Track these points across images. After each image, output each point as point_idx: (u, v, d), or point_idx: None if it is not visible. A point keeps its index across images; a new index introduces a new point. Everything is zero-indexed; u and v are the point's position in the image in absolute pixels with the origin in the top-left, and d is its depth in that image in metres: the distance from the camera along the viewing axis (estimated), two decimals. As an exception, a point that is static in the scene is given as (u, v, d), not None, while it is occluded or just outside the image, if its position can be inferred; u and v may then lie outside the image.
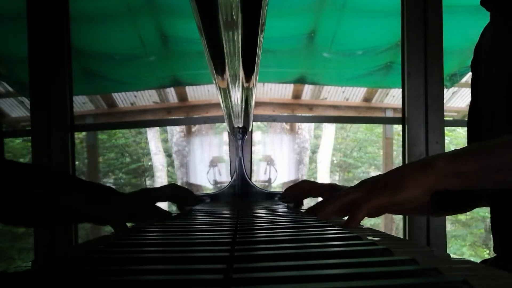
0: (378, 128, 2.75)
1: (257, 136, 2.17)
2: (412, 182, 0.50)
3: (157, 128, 2.36)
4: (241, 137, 1.16)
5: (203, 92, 2.08)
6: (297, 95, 2.26)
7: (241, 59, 0.60)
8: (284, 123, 2.34)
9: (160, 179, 2.34)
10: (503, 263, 0.64)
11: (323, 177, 2.65)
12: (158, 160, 2.35)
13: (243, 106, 0.89)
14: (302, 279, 0.23)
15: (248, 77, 0.69)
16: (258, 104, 2.03)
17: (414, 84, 1.61)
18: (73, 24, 1.65)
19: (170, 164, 2.35)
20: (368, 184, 0.55)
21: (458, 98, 2.33)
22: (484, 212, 2.42)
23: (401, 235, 1.68)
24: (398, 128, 2.11)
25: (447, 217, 1.77)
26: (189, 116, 2.16)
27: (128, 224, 0.59)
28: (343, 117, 2.46)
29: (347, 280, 0.23)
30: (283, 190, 0.90)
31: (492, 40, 0.71)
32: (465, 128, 0.77)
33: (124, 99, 2.13)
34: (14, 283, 0.24)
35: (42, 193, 0.57)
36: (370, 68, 2.03)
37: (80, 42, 1.74)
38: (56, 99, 1.61)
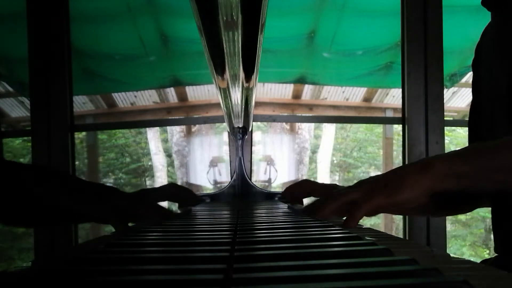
0: (378, 128, 2.75)
1: (257, 136, 2.17)
2: (411, 183, 0.50)
3: (157, 128, 2.36)
4: (241, 137, 1.16)
5: (203, 92, 2.08)
6: (297, 95, 2.26)
7: (241, 59, 0.60)
8: (284, 123, 2.34)
9: (160, 179, 2.34)
10: (504, 263, 0.64)
11: (323, 177, 2.65)
12: (158, 160, 2.35)
13: (243, 106, 0.89)
14: (302, 279, 0.23)
15: (248, 77, 0.69)
16: (258, 104, 2.03)
17: (414, 84, 1.61)
18: (73, 24, 1.65)
19: (170, 164, 2.35)
20: (368, 184, 0.55)
21: (458, 98, 2.33)
22: (484, 212, 2.42)
23: (401, 235, 1.68)
24: (398, 128, 2.11)
25: (447, 217, 1.77)
26: (189, 116, 2.16)
27: (129, 224, 0.59)
28: (343, 117, 2.46)
29: (347, 280, 0.23)
30: (283, 190, 0.90)
31: (492, 40, 0.71)
32: (465, 128, 0.77)
33: (124, 99, 2.13)
34: (14, 283, 0.24)
35: (42, 193, 0.57)
36: (370, 68, 2.04)
37: (80, 42, 1.74)
38: (56, 99, 1.61)
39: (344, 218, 0.51)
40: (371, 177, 0.58)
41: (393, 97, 2.24)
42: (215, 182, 1.81)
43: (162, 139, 2.38)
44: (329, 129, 2.76)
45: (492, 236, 0.69)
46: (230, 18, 0.47)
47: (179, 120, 2.27)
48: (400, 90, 1.66)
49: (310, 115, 2.35)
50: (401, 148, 1.68)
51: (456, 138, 2.55)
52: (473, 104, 0.76)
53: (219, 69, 0.65)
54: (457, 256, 0.30)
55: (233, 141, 1.31)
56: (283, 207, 0.83)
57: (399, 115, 1.67)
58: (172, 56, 1.93)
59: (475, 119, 0.75)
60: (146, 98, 2.09)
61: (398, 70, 1.68)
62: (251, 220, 0.60)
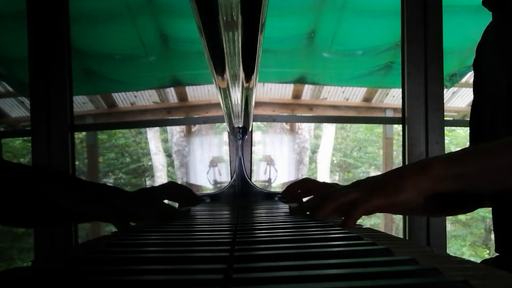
0: (378, 128, 2.75)
1: (257, 136, 2.17)
2: (410, 184, 0.51)
3: (157, 128, 2.36)
4: (241, 137, 1.16)
5: (203, 92, 2.08)
6: (297, 95, 2.26)
7: (241, 59, 0.60)
8: (284, 123, 2.34)
9: (160, 179, 2.34)
10: (504, 262, 0.65)
11: (323, 177, 2.65)
12: (158, 160, 2.35)
13: (243, 106, 0.89)
14: (302, 279, 0.23)
15: (248, 77, 0.69)
16: (258, 104, 2.03)
17: (414, 84, 1.61)
18: (73, 24, 1.65)
19: (170, 164, 2.35)
20: (367, 185, 0.55)
21: (458, 98, 2.33)
22: (484, 212, 2.42)
23: (401, 235, 1.68)
24: (398, 128, 2.11)
25: (447, 217, 1.77)
26: (189, 116, 2.16)
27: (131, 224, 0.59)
28: (343, 117, 2.46)
29: (347, 280, 0.23)
30: (284, 189, 0.89)
31: (493, 40, 0.71)
32: (465, 128, 0.77)
33: (124, 99, 2.13)
34: (14, 283, 0.24)
35: (42, 193, 0.57)
36: (370, 68, 2.04)
37: (80, 42, 1.74)
38: (56, 99, 1.61)
39: (343, 218, 0.51)
40: (370, 177, 0.58)
41: (393, 97, 2.24)
42: (215, 182, 1.81)
43: (162, 139, 2.38)
44: (329, 129, 2.76)
45: (492, 236, 0.69)
46: (230, 18, 0.47)
47: (179, 120, 2.27)
48: (400, 90, 1.66)
49: (310, 115, 2.35)
50: (401, 148, 1.68)
51: (456, 138, 2.55)
52: (474, 104, 0.76)
53: (219, 69, 0.65)
54: (457, 256, 0.30)
55: (233, 141, 1.31)
56: (283, 207, 0.83)
57: (399, 115, 1.67)
58: (172, 56, 1.93)
59: (476, 119, 0.75)
60: (146, 98, 2.09)
61: (398, 70, 1.68)
62: (251, 220, 0.60)
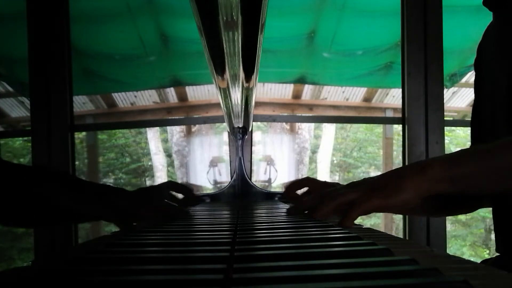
0: (378, 128, 2.75)
1: (257, 136, 2.17)
2: (408, 185, 0.51)
3: (157, 128, 2.36)
4: (241, 137, 1.16)
5: (203, 92, 2.08)
6: (297, 95, 2.26)
7: (241, 59, 0.60)
8: (284, 123, 2.34)
9: (160, 179, 2.34)
10: (504, 262, 0.64)
11: (323, 177, 2.65)
12: (158, 160, 2.35)
13: (243, 106, 0.89)
14: (302, 279, 0.23)
15: (248, 77, 0.69)
16: (258, 104, 2.03)
17: (414, 84, 1.61)
18: (73, 24, 1.65)
19: (170, 164, 2.35)
20: (365, 185, 0.55)
21: (458, 98, 2.33)
22: (484, 212, 2.42)
23: (401, 235, 1.68)
24: (398, 128, 2.11)
25: (447, 217, 1.77)
26: (189, 116, 2.16)
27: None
28: (343, 117, 2.46)
29: (347, 280, 0.23)
30: (285, 188, 0.89)
31: (493, 39, 0.71)
32: (465, 128, 0.77)
33: (124, 99, 2.13)
34: (14, 283, 0.24)
35: (42, 193, 0.57)
36: (370, 68, 2.03)
37: (80, 42, 1.74)
38: (56, 99, 1.61)
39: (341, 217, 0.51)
40: (368, 178, 0.58)
41: (393, 97, 2.24)
42: (215, 182, 1.81)
43: (162, 139, 2.38)
44: (329, 129, 2.76)
45: (492, 236, 0.69)
46: (230, 18, 0.47)
47: (179, 120, 2.27)
48: (400, 90, 1.66)
49: (310, 115, 2.35)
50: (401, 148, 1.68)
51: (456, 138, 2.55)
52: (476, 104, 0.76)
53: (219, 69, 0.65)
54: (457, 256, 0.30)
55: (233, 141, 1.31)
56: (283, 207, 0.83)
57: (399, 115, 1.67)
58: (172, 56, 1.93)
59: (478, 119, 0.75)
60: (146, 98, 2.09)
61: (398, 70, 1.68)
62: (251, 220, 0.60)
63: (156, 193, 0.78)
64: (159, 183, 0.85)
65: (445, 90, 1.67)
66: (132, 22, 1.82)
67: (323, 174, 2.68)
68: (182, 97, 2.09)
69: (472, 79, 0.78)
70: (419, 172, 0.51)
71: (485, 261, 0.69)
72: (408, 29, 1.61)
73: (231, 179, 1.16)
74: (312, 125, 2.67)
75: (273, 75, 2.06)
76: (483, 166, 0.50)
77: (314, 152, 2.64)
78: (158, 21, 1.83)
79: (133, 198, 0.61)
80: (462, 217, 2.59)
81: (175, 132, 2.27)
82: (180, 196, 0.87)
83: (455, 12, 1.76)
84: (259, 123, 2.06)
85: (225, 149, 1.69)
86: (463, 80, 2.13)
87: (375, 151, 2.87)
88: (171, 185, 0.85)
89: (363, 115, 2.45)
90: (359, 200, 0.52)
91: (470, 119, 0.78)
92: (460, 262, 0.29)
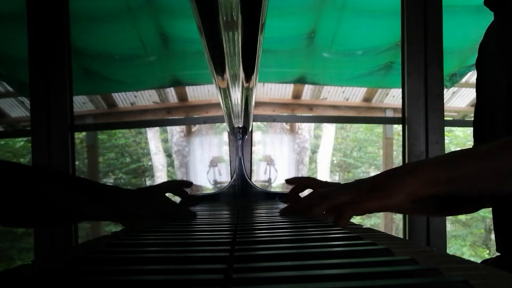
0: (378, 128, 2.75)
1: (257, 136, 2.17)
2: (399, 188, 0.51)
3: (157, 128, 2.36)
4: (241, 137, 1.16)
5: (203, 92, 2.08)
6: (297, 95, 2.26)
7: (241, 59, 0.60)
8: (284, 123, 2.34)
9: (160, 179, 2.34)
10: (504, 262, 0.64)
11: (323, 177, 2.65)
12: (158, 160, 2.35)
13: (243, 106, 0.89)
14: (302, 279, 0.23)
15: (248, 77, 0.69)
16: (258, 104, 2.03)
17: (414, 84, 1.61)
18: (73, 24, 1.65)
19: (170, 164, 2.35)
20: (356, 187, 0.56)
21: (458, 98, 2.33)
22: (484, 212, 2.42)
23: (401, 235, 1.68)
24: (398, 128, 2.11)
25: (447, 217, 1.77)
26: (189, 116, 2.16)
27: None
28: (343, 117, 2.46)
29: (347, 280, 0.23)
30: (289, 190, 0.88)
31: (494, 39, 0.71)
32: (464, 129, 0.77)
33: (124, 99, 2.13)
34: (14, 283, 0.24)
35: (42, 193, 0.57)
36: (370, 68, 2.03)
37: (80, 42, 1.74)
38: (56, 99, 1.61)
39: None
40: (361, 179, 0.58)
41: (393, 97, 2.24)
42: (215, 182, 1.81)
43: (162, 139, 2.38)
44: (329, 129, 2.76)
45: (492, 236, 0.69)
46: (230, 18, 0.47)
47: (179, 120, 2.27)
48: (400, 90, 1.66)
49: (310, 115, 2.35)
50: (401, 148, 1.68)
51: (456, 138, 2.55)
52: (477, 103, 0.76)
53: (219, 69, 0.65)
54: (457, 256, 0.30)
55: (233, 141, 1.31)
56: (283, 207, 0.83)
57: (399, 115, 1.67)
58: (172, 56, 1.93)
59: (479, 119, 0.75)
60: (146, 98, 2.09)
61: (398, 70, 1.68)
62: (251, 220, 0.60)
63: (157, 193, 0.78)
64: (159, 183, 0.85)
65: (445, 90, 1.67)
66: (132, 22, 1.82)
67: (323, 174, 2.68)
68: (182, 97, 2.09)
69: (472, 79, 0.78)
70: (408, 174, 0.51)
71: (485, 261, 0.69)
72: (408, 29, 1.61)
73: (231, 179, 1.16)
74: (312, 125, 2.67)
75: (273, 75, 2.06)
76: (474, 168, 0.50)
77: (314, 152, 2.64)
78: (158, 21, 1.83)
79: (133, 198, 0.61)
80: (462, 217, 2.59)
81: (175, 132, 2.27)
82: (177, 199, 0.87)
83: (455, 12, 1.76)
84: (259, 123, 2.06)
85: (225, 149, 1.69)
86: (463, 80, 2.13)
87: (375, 151, 2.87)
88: (172, 184, 0.85)
89: (363, 115, 2.45)
90: (351, 202, 0.52)
91: (470, 119, 0.78)
92: (460, 262, 0.29)
